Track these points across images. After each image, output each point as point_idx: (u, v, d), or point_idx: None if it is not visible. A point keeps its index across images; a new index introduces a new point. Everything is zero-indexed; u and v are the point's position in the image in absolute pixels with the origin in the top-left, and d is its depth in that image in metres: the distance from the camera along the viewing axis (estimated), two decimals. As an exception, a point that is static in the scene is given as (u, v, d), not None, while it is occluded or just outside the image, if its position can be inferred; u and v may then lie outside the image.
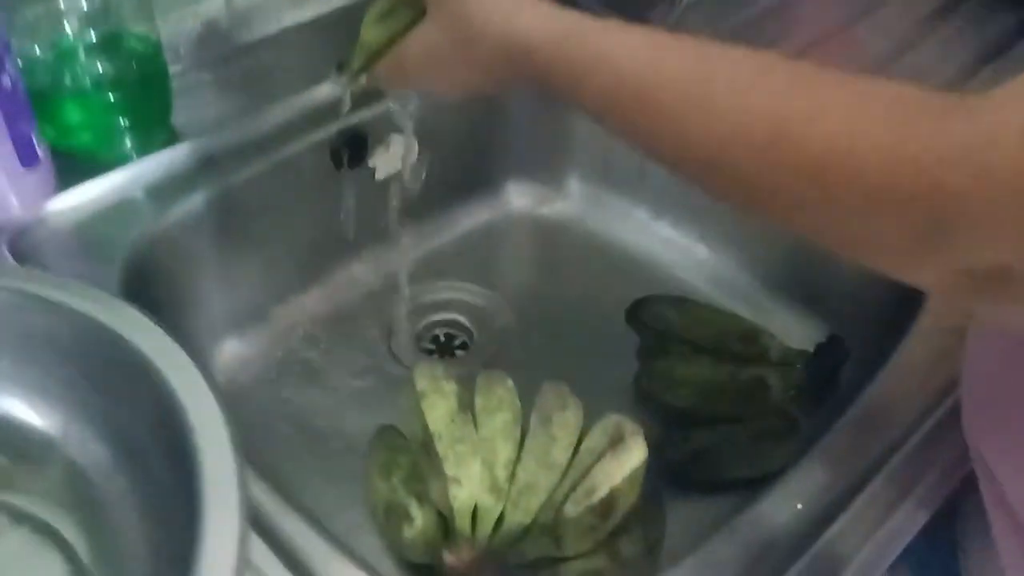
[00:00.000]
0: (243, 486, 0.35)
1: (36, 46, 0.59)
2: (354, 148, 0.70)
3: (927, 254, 0.31)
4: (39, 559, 0.41)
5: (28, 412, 0.43)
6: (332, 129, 0.68)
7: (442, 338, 0.71)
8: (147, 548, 0.39)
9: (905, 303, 0.54)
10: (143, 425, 0.40)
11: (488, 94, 0.48)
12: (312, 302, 0.72)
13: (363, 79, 0.51)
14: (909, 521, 0.44)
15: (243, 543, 0.33)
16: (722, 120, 0.35)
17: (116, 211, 0.61)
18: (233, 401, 0.65)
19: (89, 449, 0.41)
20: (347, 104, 0.54)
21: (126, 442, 0.41)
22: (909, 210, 0.30)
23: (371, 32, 0.49)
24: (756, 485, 0.46)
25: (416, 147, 0.72)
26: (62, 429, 0.43)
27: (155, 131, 0.64)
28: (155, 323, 0.42)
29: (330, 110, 0.68)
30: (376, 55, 0.49)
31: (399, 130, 0.69)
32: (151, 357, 0.40)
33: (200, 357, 0.65)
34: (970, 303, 0.42)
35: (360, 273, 0.74)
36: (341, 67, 0.51)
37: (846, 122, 0.32)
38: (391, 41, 0.48)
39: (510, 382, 0.58)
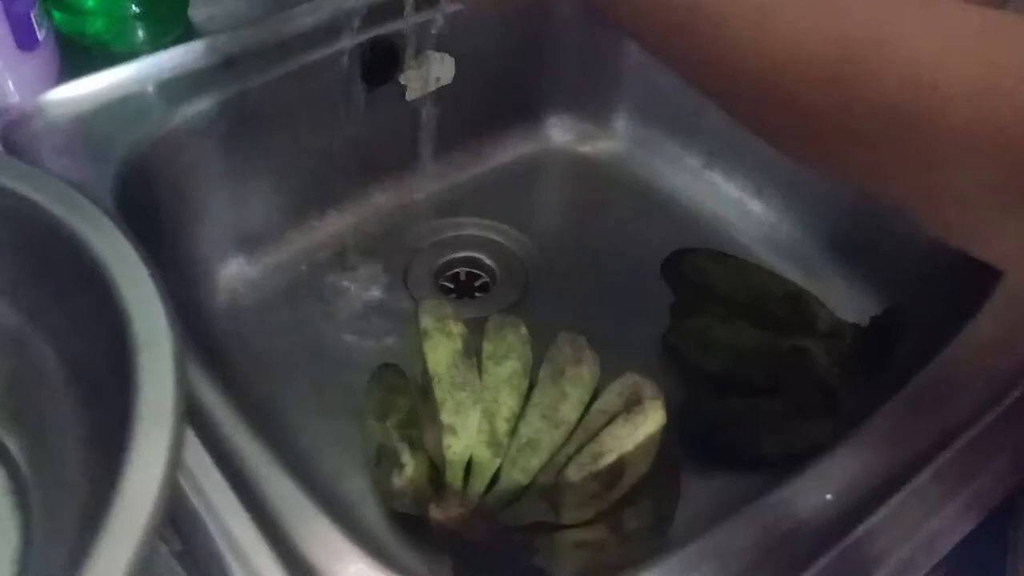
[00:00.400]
0: (179, 412, 0.30)
1: (47, -80, 0.55)
2: (385, 62, 0.65)
3: (1013, 218, 0.26)
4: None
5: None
6: (363, 39, 0.62)
7: (462, 277, 0.66)
8: (83, 466, 0.35)
9: (979, 275, 0.46)
10: (92, 334, 0.36)
11: None
12: (328, 227, 0.67)
13: None
14: (956, 524, 0.38)
15: (171, 469, 0.29)
16: (781, 41, 0.29)
17: (121, 106, 0.57)
18: (233, 324, 0.62)
19: (36, 354, 0.38)
20: None
21: (74, 351, 0.37)
22: (999, 161, 0.25)
23: None
24: (786, 466, 0.40)
25: (452, 67, 0.67)
26: (12, 332, 0.39)
27: (171, 24, 0.60)
28: (117, 227, 0.37)
29: (362, 17, 0.62)
30: None
31: (434, 47, 0.64)
32: (108, 263, 0.35)
33: (203, 273, 0.64)
34: None
35: (381, 200, 0.68)
36: None
37: (929, 50, 0.27)
38: None
39: (524, 329, 0.53)
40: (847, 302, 0.56)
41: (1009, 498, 0.39)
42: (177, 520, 0.37)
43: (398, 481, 0.49)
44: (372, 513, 0.50)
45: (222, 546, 0.37)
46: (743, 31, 0.30)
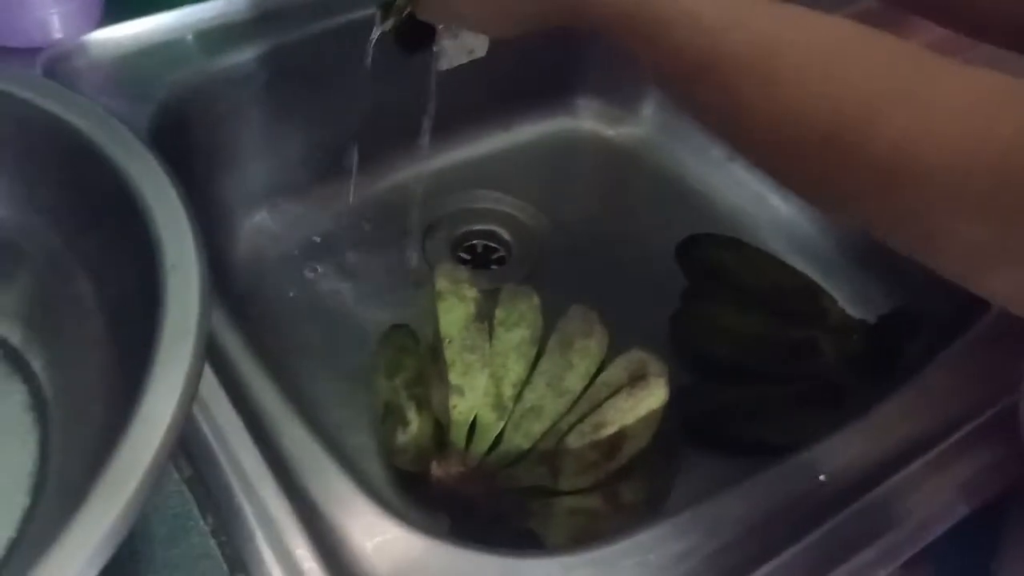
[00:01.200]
0: (200, 339, 0.31)
1: None
2: (421, 30, 0.65)
3: (1004, 261, 0.28)
4: (4, 389, 0.39)
5: (11, 228, 0.40)
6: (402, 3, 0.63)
7: (480, 249, 0.67)
8: (104, 386, 0.36)
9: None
10: (123, 257, 0.37)
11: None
12: (352, 188, 0.68)
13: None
14: (943, 515, 0.39)
15: (187, 400, 0.30)
16: (784, 107, 0.32)
17: (161, 51, 0.58)
18: (253, 275, 0.64)
19: (68, 274, 0.39)
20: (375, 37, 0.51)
21: (104, 274, 0.38)
22: (987, 212, 0.27)
23: None
24: (783, 453, 0.41)
25: (486, 41, 0.67)
26: (45, 252, 0.40)
27: (215, -25, 0.61)
28: (152, 156, 0.38)
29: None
30: None
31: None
32: (142, 189, 0.37)
33: (227, 222, 0.65)
34: None
35: (406, 166, 0.69)
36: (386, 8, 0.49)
37: (918, 116, 0.28)
38: None
39: (536, 299, 0.54)
40: (858, 300, 0.57)
41: (1000, 495, 0.40)
42: (189, 448, 0.38)
43: (402, 438, 0.50)
44: (374, 468, 0.51)
45: (231, 476, 0.38)
46: (752, 96, 0.33)
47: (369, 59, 0.58)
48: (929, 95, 0.29)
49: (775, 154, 0.34)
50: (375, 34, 0.51)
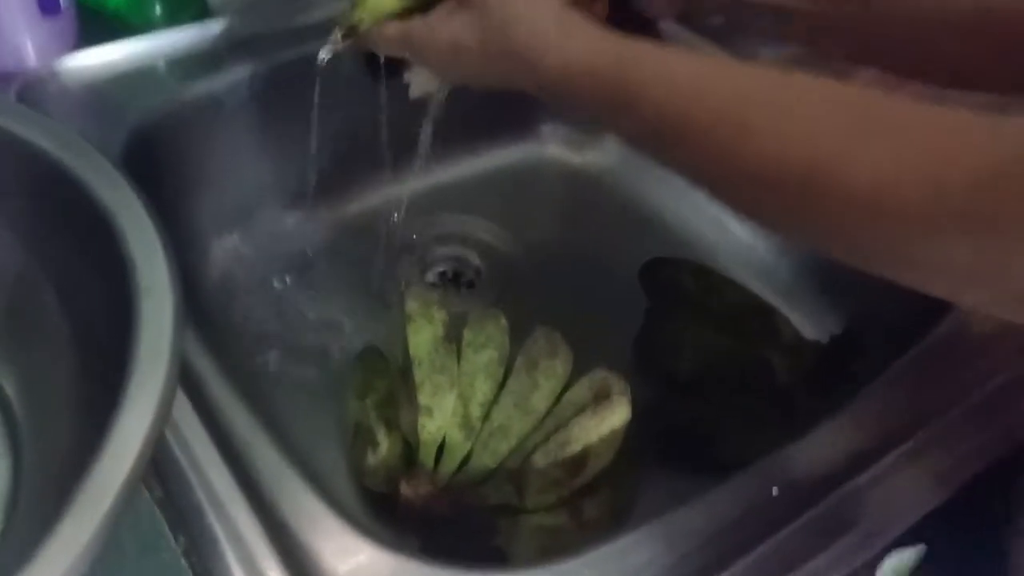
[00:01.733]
0: (174, 360, 0.32)
1: None
2: (391, 58, 0.67)
3: (983, 275, 0.30)
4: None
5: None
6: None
7: (449, 273, 0.68)
8: (75, 407, 0.37)
9: (929, 312, 0.50)
10: (95, 278, 0.38)
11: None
12: (324, 212, 0.69)
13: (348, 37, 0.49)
14: (890, 523, 0.41)
15: (160, 421, 0.31)
16: (759, 153, 0.34)
17: (133, 78, 0.59)
18: (223, 296, 0.64)
19: (38, 294, 0.39)
20: (325, 56, 0.53)
21: (75, 294, 0.39)
22: (963, 234, 0.29)
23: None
24: (738, 468, 0.43)
25: (455, 69, 0.69)
26: (15, 271, 0.41)
27: (189, 2, 0.62)
28: (125, 178, 0.39)
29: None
30: (380, 20, 0.48)
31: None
32: (115, 211, 0.38)
33: (198, 245, 0.65)
34: None
35: (376, 191, 0.71)
36: (342, 25, 0.50)
37: (889, 153, 0.31)
38: (403, 10, 0.47)
39: (503, 321, 0.56)
40: (811, 321, 0.59)
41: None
42: (160, 467, 0.39)
43: (372, 459, 0.51)
44: (344, 487, 0.52)
45: (202, 496, 0.39)
46: (729, 149, 0.35)
47: (317, 85, 0.60)
48: (897, 131, 0.31)
49: (756, 199, 0.36)
50: (323, 53, 0.52)
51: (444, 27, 0.44)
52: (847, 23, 0.45)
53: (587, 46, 0.40)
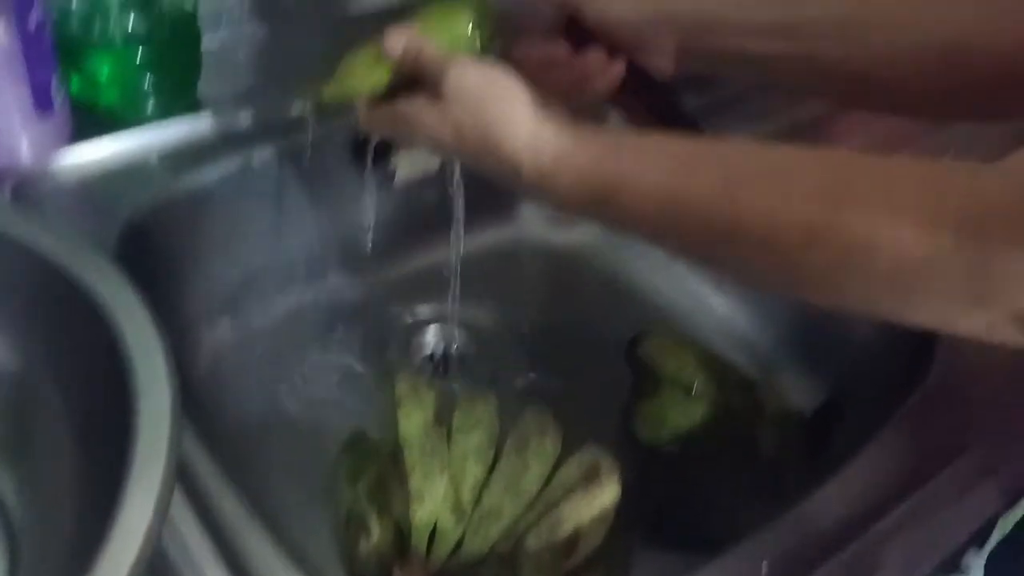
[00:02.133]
0: (172, 458, 0.33)
1: (72, -4, 0.59)
2: (377, 145, 0.69)
3: (978, 306, 0.32)
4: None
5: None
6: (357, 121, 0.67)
7: (437, 355, 0.69)
8: (74, 508, 0.37)
9: (909, 376, 0.52)
10: (93, 377, 0.38)
11: None
12: (313, 296, 0.70)
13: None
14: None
15: (159, 519, 0.32)
16: (752, 230, 0.36)
17: (126, 172, 0.60)
18: (214, 384, 0.65)
19: (36, 395, 0.40)
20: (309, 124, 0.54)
21: (74, 394, 0.39)
22: (957, 273, 0.32)
23: (358, 78, 0.48)
24: (728, 543, 0.44)
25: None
26: (16, 371, 0.41)
27: (180, 96, 0.64)
28: (122, 276, 0.40)
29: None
30: (349, 97, 0.49)
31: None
32: (112, 310, 0.38)
33: (189, 334, 0.66)
34: None
35: (364, 275, 0.72)
36: (310, 93, 0.51)
37: (883, 209, 0.33)
38: (370, 90, 0.48)
39: (493, 403, 0.56)
40: (793, 392, 0.60)
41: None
42: (154, 561, 0.39)
43: (364, 547, 0.51)
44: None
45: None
46: (719, 227, 0.37)
47: (307, 155, 0.61)
48: (886, 180, 0.34)
49: (749, 263, 0.37)
50: (297, 108, 0.53)
51: (431, 117, 0.45)
52: (829, 66, 0.46)
53: (565, 146, 0.41)
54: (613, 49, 0.48)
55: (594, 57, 0.47)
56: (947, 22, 0.44)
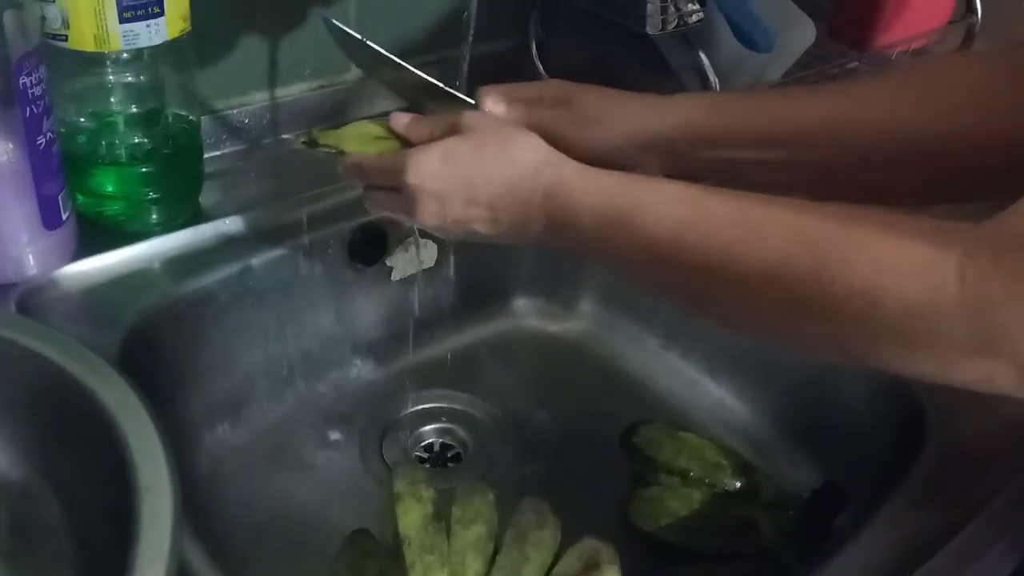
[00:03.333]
0: (173, 562, 0.33)
1: (80, 114, 0.62)
2: (373, 245, 0.71)
3: (982, 354, 0.33)
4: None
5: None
6: (353, 224, 0.69)
7: (436, 448, 0.69)
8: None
9: (904, 451, 0.52)
10: (96, 481, 0.39)
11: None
12: (311, 395, 0.71)
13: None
14: None
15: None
16: (764, 259, 0.37)
17: (129, 280, 0.62)
18: (215, 486, 0.65)
19: (41, 506, 0.40)
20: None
21: (77, 499, 0.40)
22: (960, 318, 0.33)
23: (355, 135, 0.53)
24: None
25: (435, 252, 0.74)
26: (18, 481, 0.42)
27: (183, 207, 0.66)
28: (137, 396, 0.41)
29: (354, 207, 0.70)
30: (341, 145, 0.54)
31: (419, 234, 0.70)
32: (115, 413, 0.39)
33: (189, 436, 0.67)
34: None
35: (362, 371, 0.73)
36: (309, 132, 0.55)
37: (887, 252, 0.34)
38: (361, 147, 0.53)
39: (491, 495, 0.57)
40: (789, 475, 0.61)
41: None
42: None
43: (365, 646, 0.50)
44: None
45: None
46: (734, 252, 0.38)
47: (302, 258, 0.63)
48: (889, 230, 0.35)
49: (754, 309, 0.38)
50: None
51: (434, 163, 0.47)
52: (817, 167, 0.49)
53: (586, 169, 0.43)
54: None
55: None
56: (932, 119, 0.46)
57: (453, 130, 0.48)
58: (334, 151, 0.54)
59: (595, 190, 0.43)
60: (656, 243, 0.40)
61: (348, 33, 0.56)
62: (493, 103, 0.53)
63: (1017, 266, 0.32)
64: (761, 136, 0.49)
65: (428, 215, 0.48)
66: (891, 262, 0.34)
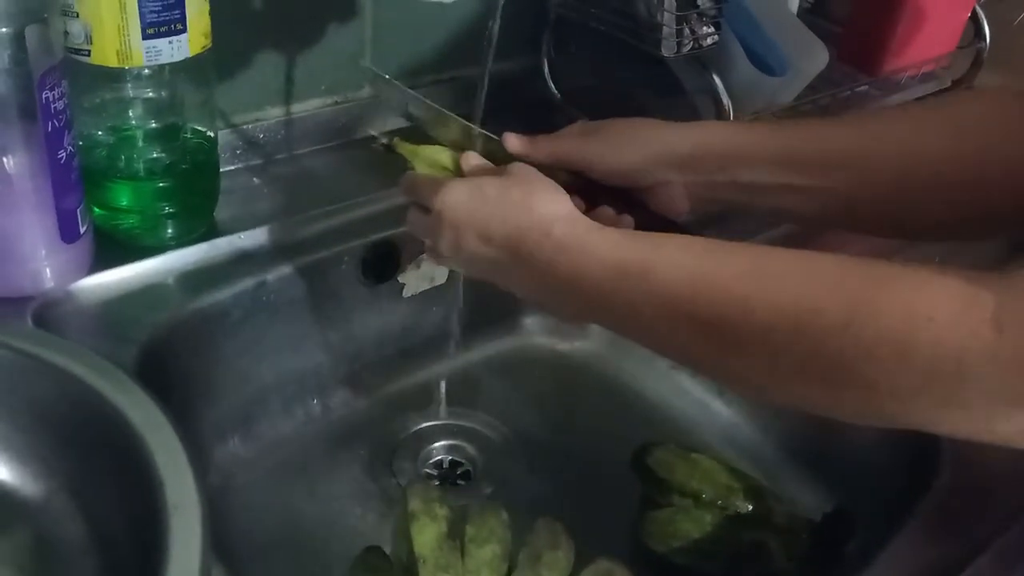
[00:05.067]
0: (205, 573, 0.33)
1: (99, 128, 0.62)
2: (385, 262, 0.72)
3: (1019, 408, 0.32)
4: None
5: (10, 476, 0.43)
6: (366, 240, 0.69)
7: (446, 465, 0.70)
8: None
9: (916, 479, 0.52)
10: (120, 498, 0.39)
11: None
12: (322, 411, 0.71)
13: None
14: None
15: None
16: (786, 310, 0.36)
17: (144, 294, 0.62)
18: (225, 501, 0.65)
19: (65, 524, 0.41)
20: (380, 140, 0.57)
21: (101, 516, 0.40)
22: (997, 368, 0.31)
23: (428, 156, 0.55)
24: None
25: (446, 269, 0.74)
26: (42, 498, 0.42)
27: (198, 222, 0.67)
28: (162, 412, 0.42)
29: (367, 224, 0.70)
30: (411, 158, 0.56)
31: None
32: (151, 447, 0.40)
33: (201, 450, 0.67)
34: None
35: (373, 387, 0.73)
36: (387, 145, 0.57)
37: (918, 297, 0.33)
38: (430, 168, 0.54)
39: (504, 514, 0.57)
40: (801, 498, 0.61)
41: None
42: None
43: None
44: None
45: None
46: (739, 312, 0.37)
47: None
48: (919, 273, 0.34)
49: (782, 354, 0.36)
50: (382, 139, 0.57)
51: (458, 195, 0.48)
52: (840, 196, 0.48)
53: (590, 237, 0.43)
54: (629, 198, 0.52)
55: (603, 212, 0.50)
56: (957, 157, 0.46)
57: (498, 173, 0.49)
58: (406, 163, 0.56)
59: (607, 242, 0.43)
60: (671, 294, 0.39)
61: (390, 81, 0.59)
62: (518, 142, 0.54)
63: None
64: (785, 157, 0.49)
65: (444, 244, 0.49)
66: (924, 310, 0.33)
